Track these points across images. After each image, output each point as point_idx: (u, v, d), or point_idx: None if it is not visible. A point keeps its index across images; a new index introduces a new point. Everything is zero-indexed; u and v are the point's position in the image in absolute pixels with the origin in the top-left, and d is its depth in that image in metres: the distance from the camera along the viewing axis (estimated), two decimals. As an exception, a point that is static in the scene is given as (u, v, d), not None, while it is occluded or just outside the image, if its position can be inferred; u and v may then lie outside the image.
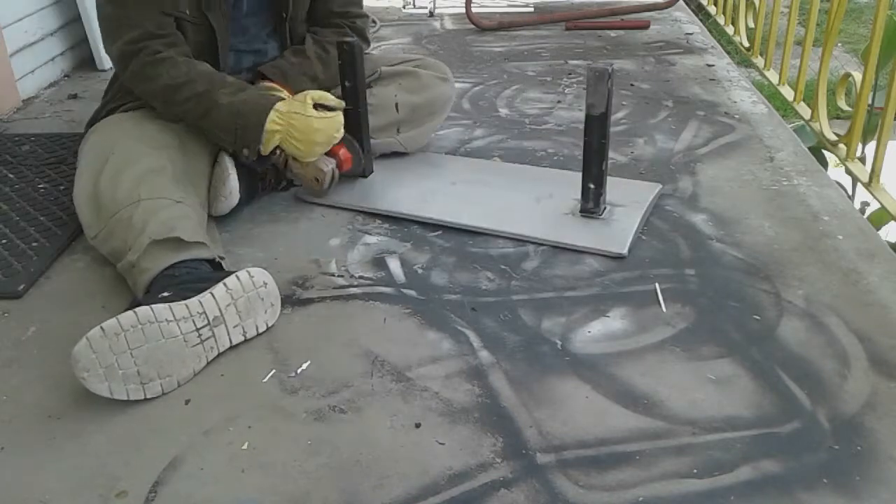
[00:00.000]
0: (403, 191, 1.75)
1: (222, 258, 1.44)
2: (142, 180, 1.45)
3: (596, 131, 1.54)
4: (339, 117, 1.60)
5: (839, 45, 5.11)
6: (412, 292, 1.45)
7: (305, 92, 1.61)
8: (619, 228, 1.58)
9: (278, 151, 1.60)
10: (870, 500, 1.01)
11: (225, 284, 1.29)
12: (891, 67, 1.79)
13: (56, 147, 2.06)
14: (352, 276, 1.50)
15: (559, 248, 1.56)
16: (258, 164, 1.63)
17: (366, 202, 1.72)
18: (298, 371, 1.26)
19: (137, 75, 1.57)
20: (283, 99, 1.59)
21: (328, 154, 1.66)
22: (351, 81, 1.69)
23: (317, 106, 1.58)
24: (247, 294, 1.30)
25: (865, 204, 2.42)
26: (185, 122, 1.61)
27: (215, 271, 1.38)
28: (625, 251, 1.52)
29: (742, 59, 3.14)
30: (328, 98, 1.61)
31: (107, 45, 1.61)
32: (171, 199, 1.44)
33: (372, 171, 1.77)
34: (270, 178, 1.77)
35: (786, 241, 1.57)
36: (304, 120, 1.55)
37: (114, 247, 1.43)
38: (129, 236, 1.39)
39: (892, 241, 2.03)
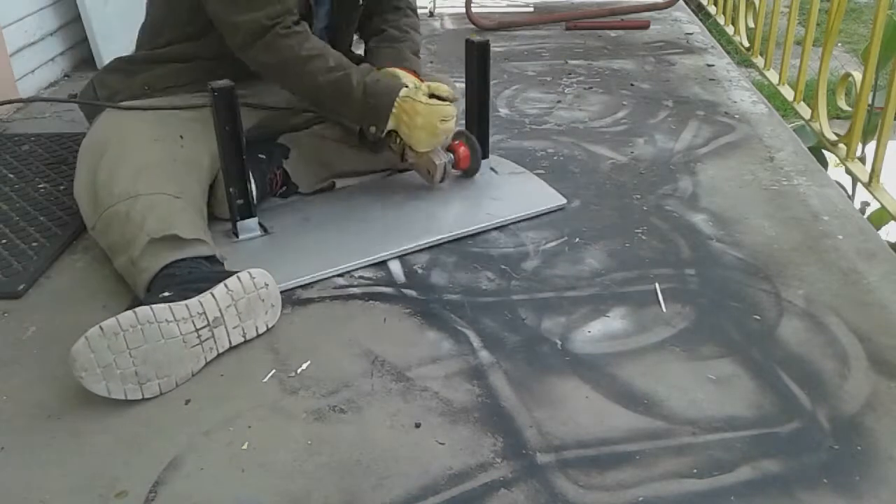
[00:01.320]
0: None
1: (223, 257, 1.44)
2: (139, 174, 1.45)
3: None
4: (447, 108, 1.59)
5: (839, 45, 5.10)
6: (412, 292, 1.45)
7: (427, 82, 1.63)
8: None
9: (398, 140, 1.63)
10: (870, 499, 1.01)
11: (226, 285, 1.28)
12: (891, 67, 1.79)
13: (56, 147, 2.06)
14: (352, 276, 1.50)
15: (560, 247, 1.57)
16: (378, 148, 1.66)
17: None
18: (298, 371, 1.26)
19: (269, 46, 1.54)
20: (409, 86, 1.61)
21: (449, 149, 1.69)
22: (481, 78, 1.72)
23: (432, 96, 1.59)
24: (247, 295, 1.30)
25: (865, 204, 2.42)
26: (307, 95, 1.64)
27: (214, 267, 1.38)
28: None
29: (742, 59, 3.14)
30: (442, 89, 1.61)
31: (235, 15, 1.53)
32: (169, 195, 1.43)
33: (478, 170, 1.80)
34: (276, 182, 1.76)
35: (786, 241, 1.57)
36: (411, 104, 1.57)
37: (112, 240, 1.43)
38: (128, 231, 1.39)
39: (892, 241, 2.03)
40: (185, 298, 1.24)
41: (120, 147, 1.51)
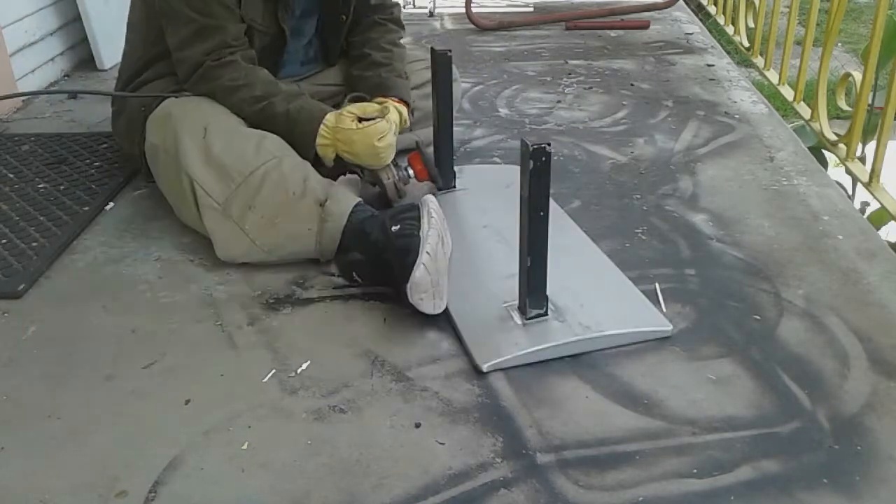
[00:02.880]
0: None
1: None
2: (261, 142, 1.53)
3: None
4: (379, 126, 1.59)
5: (839, 45, 5.10)
6: (412, 292, 1.45)
7: (350, 106, 1.65)
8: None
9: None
10: (870, 499, 1.01)
11: (429, 210, 1.37)
12: (891, 67, 1.79)
13: (56, 147, 2.06)
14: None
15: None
16: (337, 170, 1.66)
17: None
18: (298, 371, 1.26)
19: (202, 77, 1.61)
20: (333, 111, 1.62)
21: (407, 167, 1.69)
22: (445, 88, 1.68)
23: (362, 119, 1.61)
24: (439, 214, 1.39)
25: (865, 204, 2.42)
26: (249, 122, 1.64)
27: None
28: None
29: (742, 59, 3.14)
30: (368, 109, 1.63)
31: (179, 52, 1.62)
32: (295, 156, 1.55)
33: (440, 182, 1.75)
34: None
35: (786, 241, 1.57)
36: (345, 134, 1.59)
37: (263, 197, 1.48)
38: (289, 184, 1.49)
39: (892, 241, 2.03)
40: (413, 227, 1.36)
41: (220, 122, 1.56)
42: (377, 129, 1.59)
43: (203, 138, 1.52)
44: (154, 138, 1.61)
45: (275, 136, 1.57)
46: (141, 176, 1.81)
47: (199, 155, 1.51)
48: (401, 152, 1.70)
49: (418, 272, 1.27)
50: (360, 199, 1.52)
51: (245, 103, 1.60)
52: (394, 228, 1.38)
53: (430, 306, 1.31)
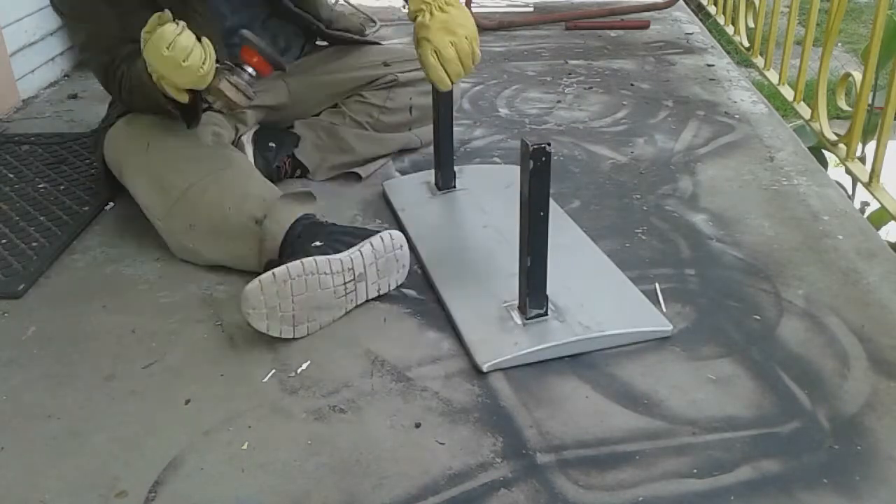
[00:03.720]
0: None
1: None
2: (200, 158, 1.51)
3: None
4: (164, 30, 1.31)
5: (839, 45, 5.10)
6: (412, 292, 1.45)
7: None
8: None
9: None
10: (870, 499, 1.01)
11: (371, 244, 1.35)
12: (891, 67, 1.79)
13: (56, 147, 2.06)
14: (352, 276, 1.50)
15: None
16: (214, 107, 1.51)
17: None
18: (298, 371, 1.26)
19: (108, 88, 1.63)
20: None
21: (242, 66, 1.46)
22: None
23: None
24: (386, 255, 1.37)
25: (865, 204, 2.42)
26: (146, 108, 1.56)
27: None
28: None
29: (742, 58, 3.14)
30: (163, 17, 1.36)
31: (96, 77, 1.65)
32: (248, 168, 1.55)
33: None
34: (286, 168, 1.81)
35: (786, 241, 1.57)
36: (146, 52, 1.36)
37: (201, 215, 1.46)
38: (226, 200, 1.45)
39: (892, 241, 2.03)
40: (337, 251, 1.33)
41: (161, 139, 1.55)
42: (162, 35, 1.30)
43: (145, 153, 1.53)
44: (108, 153, 1.64)
45: (217, 148, 1.57)
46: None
47: (141, 170, 1.53)
48: (236, 57, 1.49)
49: (250, 285, 1.23)
50: (304, 212, 1.44)
51: (125, 92, 1.56)
52: (317, 243, 1.34)
53: (262, 326, 1.26)
